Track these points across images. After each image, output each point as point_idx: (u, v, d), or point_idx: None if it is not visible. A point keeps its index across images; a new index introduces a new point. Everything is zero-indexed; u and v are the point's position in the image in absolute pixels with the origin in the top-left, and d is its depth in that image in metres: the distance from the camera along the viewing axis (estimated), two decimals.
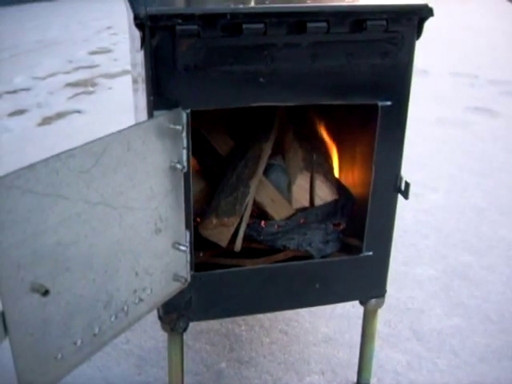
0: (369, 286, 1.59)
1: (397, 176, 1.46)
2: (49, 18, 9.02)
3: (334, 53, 1.30)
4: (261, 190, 1.63)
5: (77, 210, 1.06)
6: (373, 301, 1.61)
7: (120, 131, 1.11)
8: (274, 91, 1.31)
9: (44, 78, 5.35)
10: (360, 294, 1.61)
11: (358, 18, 1.27)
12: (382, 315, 1.95)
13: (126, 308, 1.24)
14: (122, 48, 6.17)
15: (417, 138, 3.77)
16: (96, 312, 1.17)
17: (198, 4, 1.35)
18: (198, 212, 1.65)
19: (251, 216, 1.61)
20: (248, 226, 1.58)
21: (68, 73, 5.54)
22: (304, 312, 2.13)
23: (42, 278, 1.02)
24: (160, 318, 1.48)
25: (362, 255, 1.53)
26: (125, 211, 1.17)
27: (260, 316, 2.09)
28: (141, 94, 1.43)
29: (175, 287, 1.37)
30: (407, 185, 1.45)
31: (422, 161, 3.52)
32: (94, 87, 5.06)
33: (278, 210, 1.63)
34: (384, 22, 1.28)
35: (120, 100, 4.36)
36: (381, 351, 1.95)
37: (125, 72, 5.29)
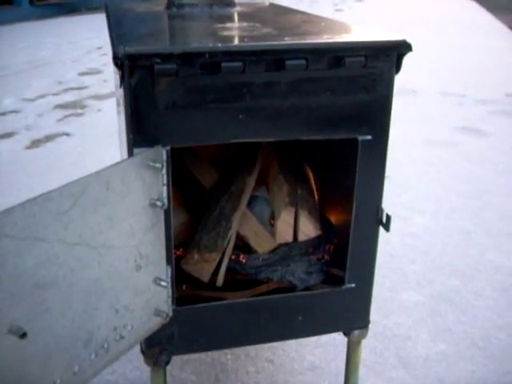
0: (352, 317, 1.59)
1: (378, 209, 1.46)
2: (40, 37, 9.06)
3: (313, 89, 1.31)
4: (244, 223, 1.63)
5: (54, 252, 1.06)
6: (356, 332, 1.61)
7: (98, 172, 1.12)
8: (254, 128, 1.32)
9: (33, 100, 5.36)
10: (343, 325, 1.61)
11: (336, 54, 1.28)
12: (368, 342, 1.95)
13: (106, 345, 1.23)
14: (111, 69, 6.17)
15: (404, 160, 3.79)
16: (75, 351, 1.16)
17: (177, 42, 1.36)
18: (181, 244, 1.66)
19: (235, 248, 1.62)
20: (230, 259, 1.58)
21: (57, 94, 5.55)
22: (290, 340, 2.12)
23: (19, 320, 1.02)
24: (143, 352, 1.48)
25: (344, 287, 1.53)
26: (104, 250, 1.17)
27: None
28: (123, 117, 1.43)
29: (156, 322, 1.36)
30: (388, 217, 1.45)
31: (409, 183, 3.53)
32: (83, 109, 5.07)
33: (261, 244, 1.64)
34: (363, 59, 1.29)
35: (109, 122, 4.37)
36: (367, 380, 1.94)
37: (114, 94, 5.30)
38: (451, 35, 8.98)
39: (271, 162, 1.81)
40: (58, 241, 1.06)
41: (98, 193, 1.12)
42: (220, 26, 1.56)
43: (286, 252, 1.64)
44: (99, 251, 1.16)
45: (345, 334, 1.63)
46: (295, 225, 1.64)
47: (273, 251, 1.64)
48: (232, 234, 1.59)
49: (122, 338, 1.27)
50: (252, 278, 1.61)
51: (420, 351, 2.12)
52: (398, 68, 1.35)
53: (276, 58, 1.25)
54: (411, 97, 5.35)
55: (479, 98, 5.49)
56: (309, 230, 1.64)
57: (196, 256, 1.55)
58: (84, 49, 8.03)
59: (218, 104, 1.27)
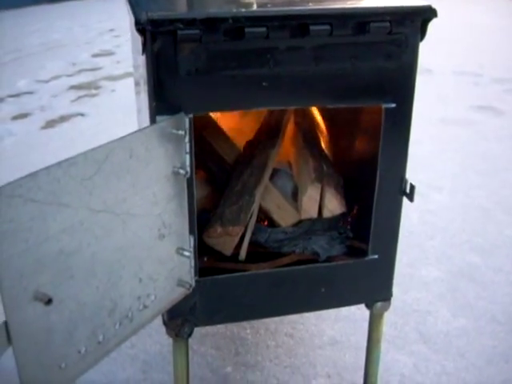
0: (374, 289, 1.58)
1: (402, 179, 1.44)
2: (52, 20, 9.03)
3: (337, 55, 1.29)
4: (267, 197, 1.62)
5: (79, 218, 1.05)
6: (379, 304, 1.60)
7: (122, 138, 1.10)
8: (277, 95, 1.30)
9: (47, 81, 5.35)
10: (366, 297, 1.59)
11: (361, 20, 1.26)
12: (388, 317, 1.93)
13: (130, 315, 1.23)
14: (124, 50, 6.16)
15: (421, 138, 3.75)
16: (100, 320, 1.16)
17: (200, 8, 1.34)
18: (203, 218, 1.64)
19: (257, 221, 1.61)
20: (253, 233, 1.56)
21: (71, 75, 5.54)
22: (309, 315, 2.12)
23: (45, 287, 1.01)
24: (165, 323, 1.47)
25: (367, 258, 1.52)
26: (128, 218, 1.16)
27: (265, 319, 2.08)
28: (143, 96, 1.42)
29: (179, 293, 1.36)
30: (412, 187, 1.44)
31: (426, 161, 3.51)
32: (97, 90, 5.06)
33: (284, 217, 1.62)
34: (387, 24, 1.26)
35: (123, 102, 4.35)
36: (387, 354, 1.93)
37: (127, 74, 5.27)
38: (464, 14, 8.87)
39: (294, 135, 1.79)
40: (83, 207, 1.05)
41: (122, 159, 1.11)
42: None
43: (310, 226, 1.62)
44: (123, 219, 1.15)
45: (367, 306, 1.62)
46: (320, 201, 1.63)
47: (296, 225, 1.63)
48: (255, 207, 1.57)
49: (145, 307, 1.27)
50: (275, 251, 1.60)
51: (440, 326, 2.11)
52: (422, 34, 1.33)
53: (300, 23, 1.22)
54: (426, 76, 5.27)
55: (495, 76, 5.42)
56: (334, 206, 1.63)
57: (219, 229, 1.54)
58: (96, 31, 7.99)
59: (241, 70, 1.25)
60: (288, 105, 1.37)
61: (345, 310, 2.14)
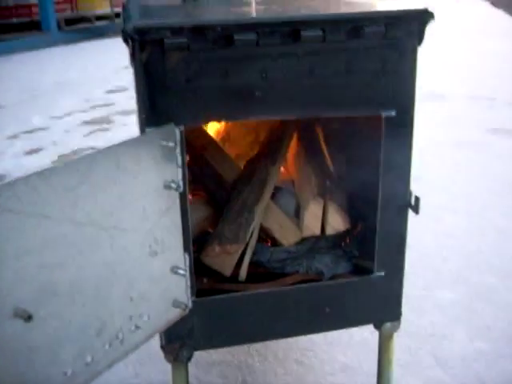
0: (382, 308, 1.51)
1: (406, 190, 1.39)
2: (68, 60, 9.16)
3: (331, 62, 1.25)
4: (269, 215, 1.57)
5: (62, 231, 1.01)
6: (388, 324, 1.53)
7: (107, 148, 1.07)
8: (270, 104, 1.25)
9: (61, 117, 5.38)
10: (373, 317, 1.52)
11: (354, 24, 1.22)
12: (402, 342, 1.86)
13: (120, 335, 1.17)
14: None
15: (435, 161, 3.70)
16: (88, 339, 1.10)
17: (188, 16, 1.31)
18: (204, 239, 1.59)
19: (259, 241, 1.55)
20: (255, 253, 1.51)
21: (84, 111, 5.57)
22: (320, 341, 2.04)
23: (25, 303, 0.97)
24: (162, 347, 1.42)
25: (373, 276, 1.45)
26: (116, 233, 1.11)
27: (273, 346, 2.01)
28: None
29: (175, 314, 1.30)
30: (417, 199, 1.38)
31: (441, 183, 3.44)
32: (109, 124, 5.07)
33: (287, 236, 1.57)
34: (382, 28, 1.23)
35: (133, 135, 4.34)
36: (402, 379, 1.85)
37: None
38: (475, 40, 8.84)
39: (297, 151, 1.74)
40: (66, 219, 1.01)
41: (108, 170, 1.07)
42: (235, 8, 1.51)
43: (313, 244, 1.57)
44: (110, 233, 1.10)
45: (376, 326, 1.55)
46: (323, 217, 1.57)
47: (299, 243, 1.58)
48: (255, 225, 1.52)
49: (137, 328, 1.21)
50: (277, 271, 1.54)
51: (457, 350, 2.02)
52: (420, 39, 1.28)
53: (291, 30, 1.19)
54: (440, 101, 5.24)
55: (509, 100, 5.37)
56: (337, 223, 1.58)
57: (217, 248, 1.49)
58: (111, 68, 8.04)
59: (232, 79, 1.21)
60: (282, 115, 1.33)
61: (357, 336, 2.07)
